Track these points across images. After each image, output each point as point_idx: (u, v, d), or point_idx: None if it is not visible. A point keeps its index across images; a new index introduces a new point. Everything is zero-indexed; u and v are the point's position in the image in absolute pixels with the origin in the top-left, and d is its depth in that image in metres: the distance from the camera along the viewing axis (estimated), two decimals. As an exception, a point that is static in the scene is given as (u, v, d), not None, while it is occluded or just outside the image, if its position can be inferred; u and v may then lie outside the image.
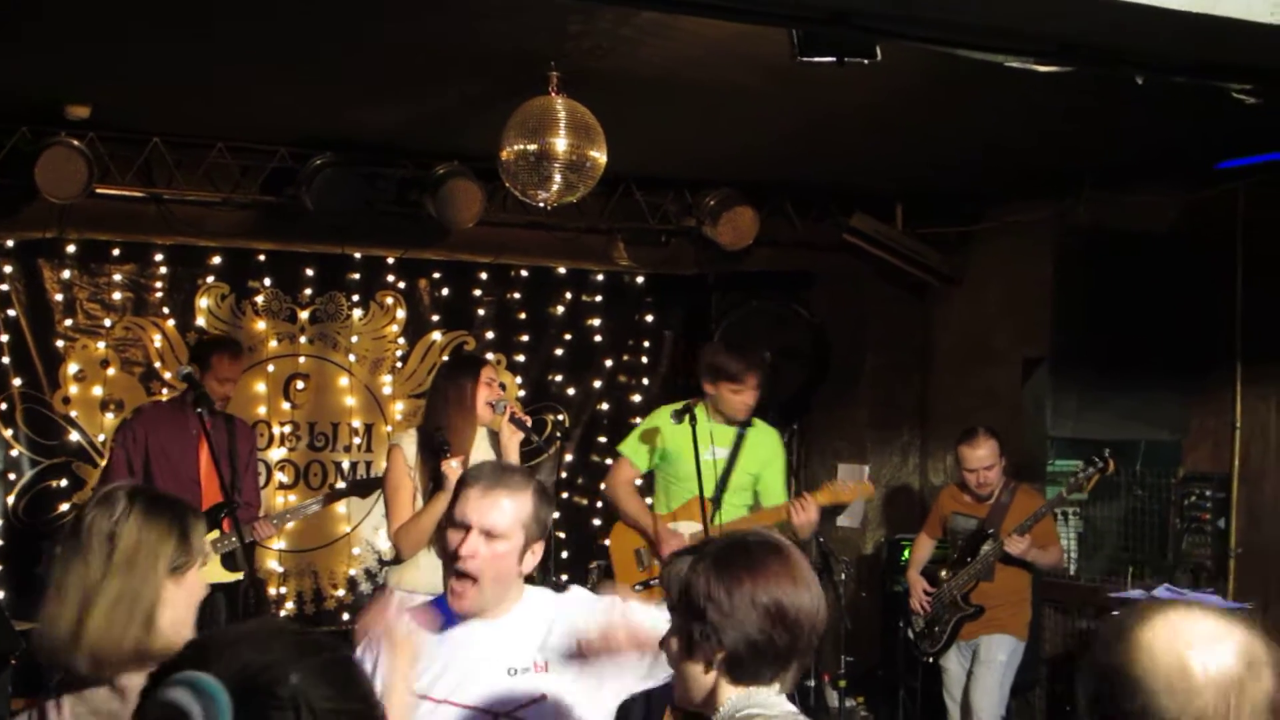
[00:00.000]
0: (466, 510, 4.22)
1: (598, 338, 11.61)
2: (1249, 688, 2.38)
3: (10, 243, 9.78)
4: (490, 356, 10.82)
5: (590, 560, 10.60)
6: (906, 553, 10.14)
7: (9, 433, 9.96)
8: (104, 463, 9.54)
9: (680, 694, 3.44)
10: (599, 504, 11.21)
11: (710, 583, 3.31)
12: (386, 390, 11.03)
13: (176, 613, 3.45)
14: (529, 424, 7.53)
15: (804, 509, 8.18)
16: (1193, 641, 2.42)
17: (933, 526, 9.33)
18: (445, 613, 4.30)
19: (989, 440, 8.85)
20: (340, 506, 10.49)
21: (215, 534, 8.63)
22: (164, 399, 9.79)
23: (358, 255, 10.70)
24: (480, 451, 7.68)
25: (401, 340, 11.07)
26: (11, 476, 9.98)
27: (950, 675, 9.14)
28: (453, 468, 7.31)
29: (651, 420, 8.77)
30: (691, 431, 8.02)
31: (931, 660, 9.19)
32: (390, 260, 10.87)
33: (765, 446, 8.60)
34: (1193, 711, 2.36)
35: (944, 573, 9.07)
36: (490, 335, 11.29)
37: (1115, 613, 2.50)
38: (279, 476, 10.68)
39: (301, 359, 10.78)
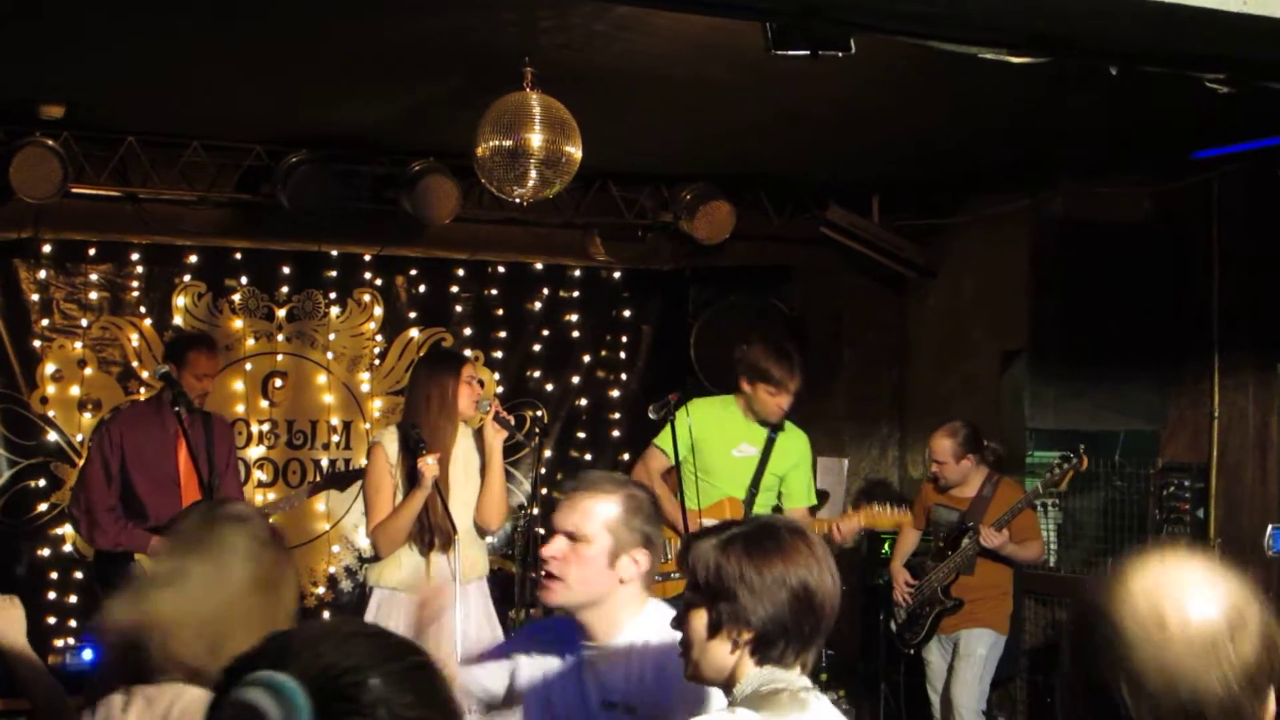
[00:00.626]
0: (555, 515, 4.32)
1: (575, 333, 11.60)
2: (1224, 649, 2.22)
3: (-15, 243, 9.77)
4: (468, 353, 10.82)
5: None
6: (887, 546, 10.17)
7: (-13, 433, 9.95)
8: (81, 464, 9.51)
9: (693, 672, 3.47)
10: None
11: (742, 564, 3.36)
12: (365, 388, 11.02)
13: None
14: (512, 422, 7.56)
15: (849, 529, 8.54)
16: (1176, 592, 2.27)
17: (917, 518, 9.32)
18: (568, 630, 4.37)
19: (948, 438, 8.92)
20: (319, 504, 10.49)
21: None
22: (140, 399, 9.76)
23: (334, 253, 10.69)
24: (462, 450, 7.69)
25: (379, 337, 11.06)
26: (-11, 477, 9.97)
27: (932, 669, 9.17)
28: (429, 464, 7.32)
29: (684, 412, 8.71)
30: (671, 430, 8.03)
31: (913, 652, 9.22)
32: (367, 257, 10.87)
33: (795, 450, 8.59)
34: (1163, 663, 2.21)
35: (926, 562, 9.11)
36: (468, 332, 11.29)
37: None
38: (258, 475, 10.67)
39: (279, 357, 10.77)
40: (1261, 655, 2.25)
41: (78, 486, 8.85)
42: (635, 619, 4.33)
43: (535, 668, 4.42)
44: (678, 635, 4.29)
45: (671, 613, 4.40)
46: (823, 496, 11.02)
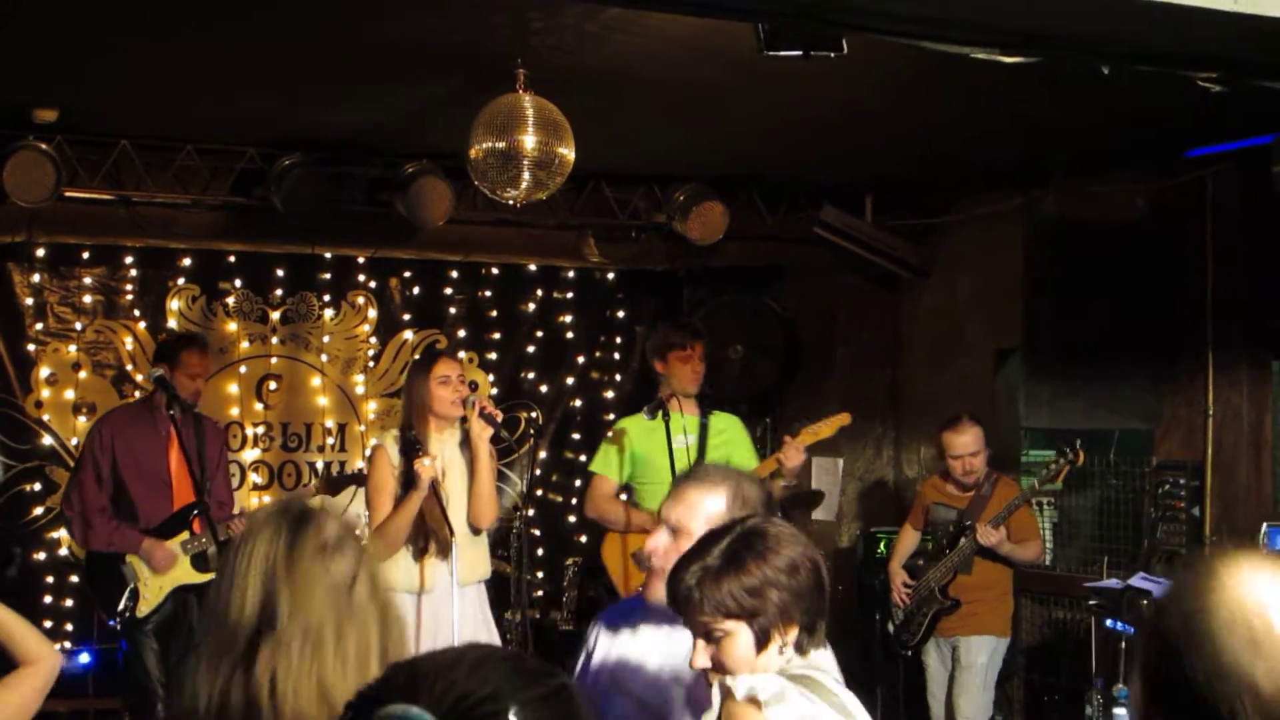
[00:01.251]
0: (663, 505, 4.21)
1: (569, 334, 11.63)
2: None
3: (-21, 247, 9.77)
4: (462, 355, 10.84)
5: (566, 557, 10.62)
6: (883, 546, 10.18)
7: (-19, 437, 9.95)
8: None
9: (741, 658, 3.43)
10: (574, 500, 11.23)
11: (763, 570, 3.35)
12: (359, 390, 11.03)
13: None
14: (499, 419, 7.53)
15: (792, 454, 8.37)
16: (1275, 594, 2.29)
17: (916, 518, 9.31)
18: (639, 608, 4.33)
19: (974, 426, 8.85)
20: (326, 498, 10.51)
21: (185, 535, 8.63)
22: (132, 401, 9.74)
23: (328, 255, 10.70)
24: (453, 452, 7.69)
25: (373, 340, 11.08)
26: (-15, 480, 9.98)
27: (931, 674, 9.11)
28: (425, 466, 7.34)
29: (617, 428, 8.82)
30: (665, 424, 8.07)
31: (910, 653, 9.15)
32: (361, 260, 10.88)
33: (730, 431, 8.71)
34: (1262, 669, 2.23)
35: (920, 562, 9.09)
36: (462, 333, 11.31)
37: (1185, 564, 2.31)
38: (253, 477, 10.68)
39: (273, 360, 10.78)
40: None
41: (69, 488, 8.85)
42: None
43: (613, 651, 4.39)
44: None
45: None
46: (817, 496, 11.05)
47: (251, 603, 2.98)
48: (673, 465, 8.04)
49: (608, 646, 4.42)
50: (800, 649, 3.37)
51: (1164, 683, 2.37)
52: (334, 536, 3.13)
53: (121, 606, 8.44)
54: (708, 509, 4.07)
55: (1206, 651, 2.29)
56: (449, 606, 7.41)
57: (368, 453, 10.73)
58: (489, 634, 7.72)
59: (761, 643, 3.34)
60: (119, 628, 8.54)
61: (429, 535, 7.49)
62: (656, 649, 4.27)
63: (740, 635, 3.37)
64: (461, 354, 11.02)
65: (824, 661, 3.45)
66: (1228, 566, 2.36)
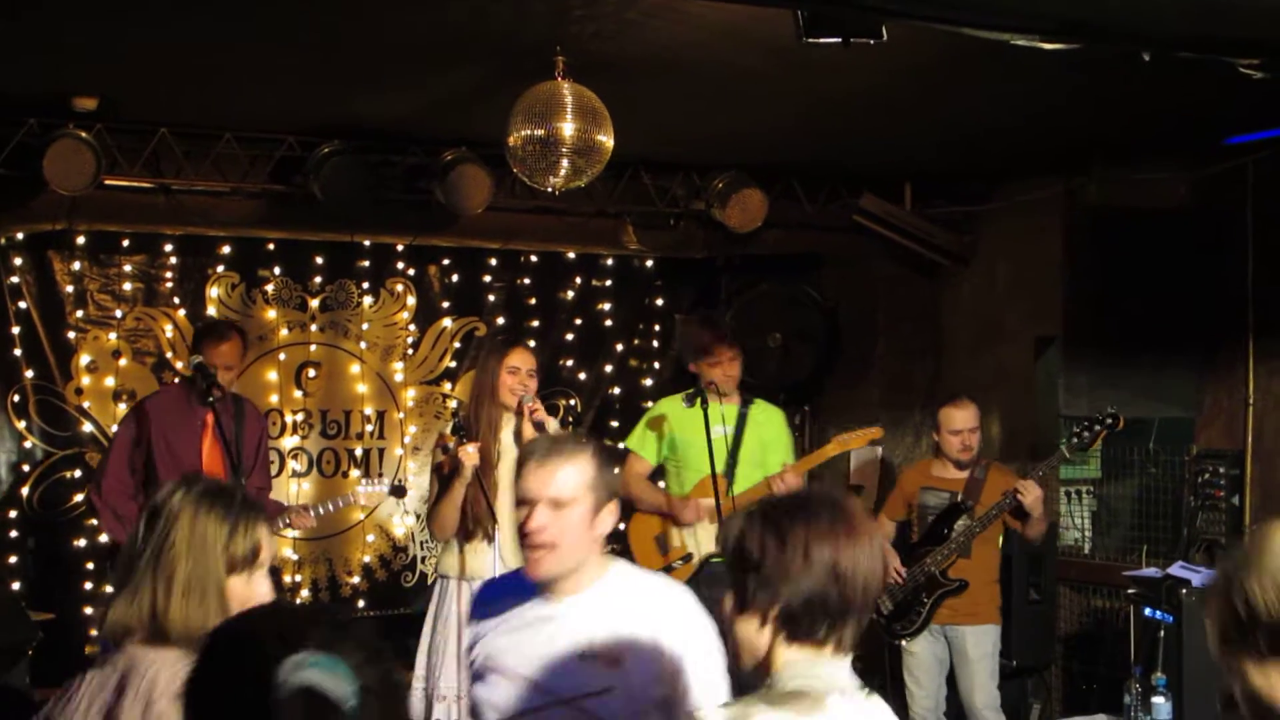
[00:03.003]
0: (527, 486, 4.23)
1: (608, 322, 11.64)
2: None
3: (20, 235, 9.82)
4: (532, 343, 10.86)
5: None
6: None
7: (22, 424, 10.01)
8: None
9: (733, 657, 3.39)
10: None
11: (765, 535, 3.27)
12: (398, 377, 11.06)
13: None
14: (546, 428, 7.56)
15: (783, 481, 8.27)
16: None
17: (894, 507, 9.19)
18: (523, 586, 4.32)
19: (973, 404, 8.83)
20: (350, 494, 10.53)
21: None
22: (171, 385, 9.74)
23: (367, 243, 10.73)
24: (506, 438, 7.72)
25: (412, 327, 11.11)
26: (25, 468, 10.04)
27: (918, 660, 8.94)
28: (468, 453, 7.38)
29: (656, 410, 8.85)
30: (704, 414, 8.07)
31: (902, 643, 8.95)
32: (399, 247, 10.91)
33: (768, 425, 8.70)
34: None
35: (922, 549, 8.96)
36: (500, 321, 11.34)
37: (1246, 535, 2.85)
38: (292, 465, 10.72)
39: (313, 347, 10.82)
40: None
41: (99, 473, 8.83)
42: (600, 572, 4.31)
43: (493, 632, 4.38)
44: (647, 588, 4.24)
45: (633, 573, 4.42)
46: (856, 490, 11.02)
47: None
48: (711, 454, 8.05)
49: (481, 630, 4.43)
50: (787, 633, 3.24)
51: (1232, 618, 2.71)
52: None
53: None
54: (581, 477, 4.20)
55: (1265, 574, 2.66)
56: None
57: (406, 440, 10.79)
58: None
59: (741, 605, 3.27)
60: None
61: (475, 521, 7.54)
62: (542, 625, 4.27)
63: (730, 591, 3.34)
64: (532, 343, 11.01)
65: (836, 674, 3.30)
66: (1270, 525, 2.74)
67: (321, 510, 9.20)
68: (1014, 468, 9.26)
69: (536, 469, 4.24)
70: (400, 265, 11.04)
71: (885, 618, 8.96)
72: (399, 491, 9.65)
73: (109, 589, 9.75)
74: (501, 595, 4.45)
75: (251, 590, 3.65)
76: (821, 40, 5.09)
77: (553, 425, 7.62)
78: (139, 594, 3.57)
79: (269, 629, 2.23)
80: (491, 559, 7.44)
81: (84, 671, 3.61)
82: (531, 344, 10.98)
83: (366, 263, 10.91)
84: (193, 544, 3.59)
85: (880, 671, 9.38)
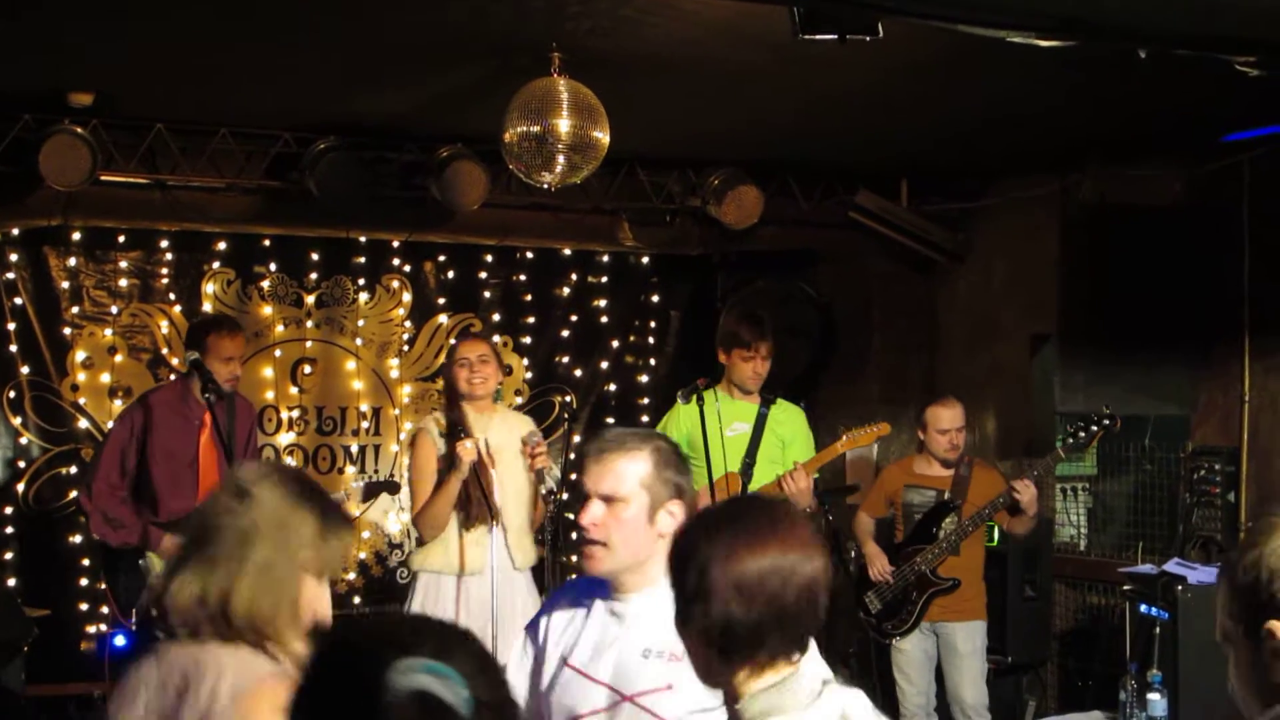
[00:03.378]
0: (585, 479, 4.22)
1: (604, 318, 11.64)
2: None
3: (15, 231, 9.82)
4: (496, 339, 10.86)
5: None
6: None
7: (18, 420, 10.01)
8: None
9: (699, 676, 3.28)
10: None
11: (694, 549, 3.14)
12: (394, 374, 11.06)
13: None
14: (544, 476, 7.70)
15: (794, 479, 8.18)
16: None
17: (875, 505, 9.19)
18: (598, 584, 4.30)
19: (959, 403, 8.84)
20: (344, 490, 10.54)
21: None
22: (166, 384, 9.73)
23: (363, 239, 10.73)
24: (497, 433, 7.74)
25: (408, 323, 11.11)
26: (21, 464, 10.03)
27: (907, 656, 8.91)
28: (467, 448, 7.40)
29: (669, 416, 8.80)
30: (699, 410, 8.06)
31: (892, 642, 8.91)
32: (395, 244, 10.90)
33: (788, 424, 8.64)
34: None
35: (909, 548, 8.92)
36: (496, 317, 11.33)
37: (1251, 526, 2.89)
38: (288, 461, 10.70)
39: (308, 343, 10.82)
40: None
41: (90, 475, 8.68)
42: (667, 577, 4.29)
43: (563, 630, 4.35)
44: None
45: None
46: (852, 488, 11.02)
47: None
48: (707, 450, 8.04)
49: (552, 627, 4.40)
50: (723, 654, 3.12)
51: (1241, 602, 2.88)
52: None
53: (141, 604, 8.18)
54: (636, 472, 4.13)
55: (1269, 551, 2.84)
56: (491, 589, 7.46)
57: (402, 436, 10.80)
58: None
59: (683, 621, 3.17)
60: (134, 626, 8.41)
61: (472, 518, 7.55)
62: (610, 623, 4.24)
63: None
64: (496, 338, 11.04)
65: (801, 684, 3.16)
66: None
67: None
68: (1008, 465, 9.28)
69: (593, 464, 4.21)
70: (396, 262, 11.04)
71: (875, 617, 8.95)
72: (393, 488, 9.67)
73: (103, 585, 9.82)
74: (576, 594, 4.43)
75: (321, 600, 3.53)
76: (818, 37, 5.09)
77: (553, 474, 7.68)
78: (211, 574, 3.40)
79: (381, 634, 2.21)
80: (489, 554, 7.45)
81: (139, 665, 3.49)
82: (526, 340, 11.08)
83: (362, 259, 10.91)
84: (279, 529, 3.45)
85: (869, 670, 9.39)
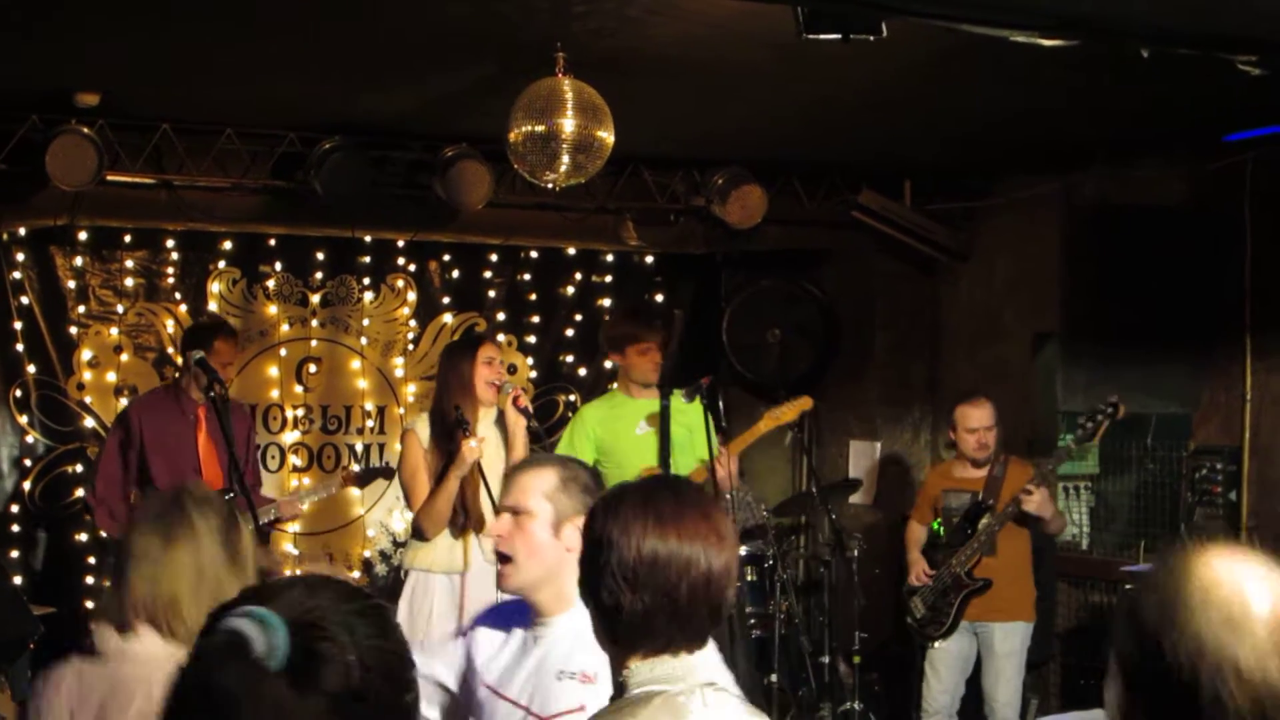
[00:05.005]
0: (501, 497, 4.34)
1: (608, 318, 11.63)
2: None
3: (22, 231, 9.85)
4: (501, 338, 10.88)
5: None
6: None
7: (24, 419, 10.03)
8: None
9: (599, 643, 3.23)
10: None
11: (594, 523, 3.13)
12: (399, 373, 11.08)
13: None
14: (531, 411, 7.61)
15: (720, 463, 8.13)
16: (1249, 577, 2.38)
17: (923, 512, 9.21)
18: (517, 609, 4.35)
19: (989, 402, 8.83)
20: (354, 490, 10.56)
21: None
22: (160, 386, 9.76)
23: (368, 238, 10.75)
24: (491, 435, 7.74)
25: (413, 322, 11.13)
26: (27, 462, 10.05)
27: (940, 653, 8.91)
28: (471, 447, 7.40)
29: (574, 423, 8.79)
30: (703, 406, 8.06)
31: (936, 645, 8.89)
32: (400, 243, 10.93)
33: (688, 411, 8.46)
34: (1244, 646, 2.31)
35: (939, 555, 8.94)
36: (501, 316, 11.35)
37: (1160, 556, 2.39)
38: (293, 460, 10.74)
39: (313, 342, 10.84)
40: None
41: (93, 474, 8.88)
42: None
43: (488, 651, 4.39)
44: None
45: None
46: (854, 483, 11.04)
47: None
48: (711, 446, 8.03)
49: (484, 650, 4.43)
50: (615, 640, 3.11)
51: (1143, 669, 2.43)
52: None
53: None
54: (540, 486, 4.21)
55: (1187, 633, 2.35)
56: (489, 585, 7.46)
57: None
58: None
59: (587, 599, 3.16)
60: None
61: (468, 515, 7.56)
62: (529, 646, 4.27)
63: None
64: (500, 337, 11.09)
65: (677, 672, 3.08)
66: (1201, 553, 2.44)
67: (311, 498, 9.23)
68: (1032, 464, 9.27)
69: (505, 483, 4.37)
70: (401, 261, 11.06)
71: (919, 622, 8.96)
72: (388, 473, 9.69)
73: (108, 583, 9.86)
74: (502, 616, 4.47)
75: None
76: (822, 37, 5.11)
77: (532, 408, 7.67)
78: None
79: (258, 589, 2.26)
80: (474, 552, 7.49)
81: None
82: (531, 339, 11.10)
83: (367, 258, 10.93)
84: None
85: (913, 669, 9.41)
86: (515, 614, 4.38)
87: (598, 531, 3.08)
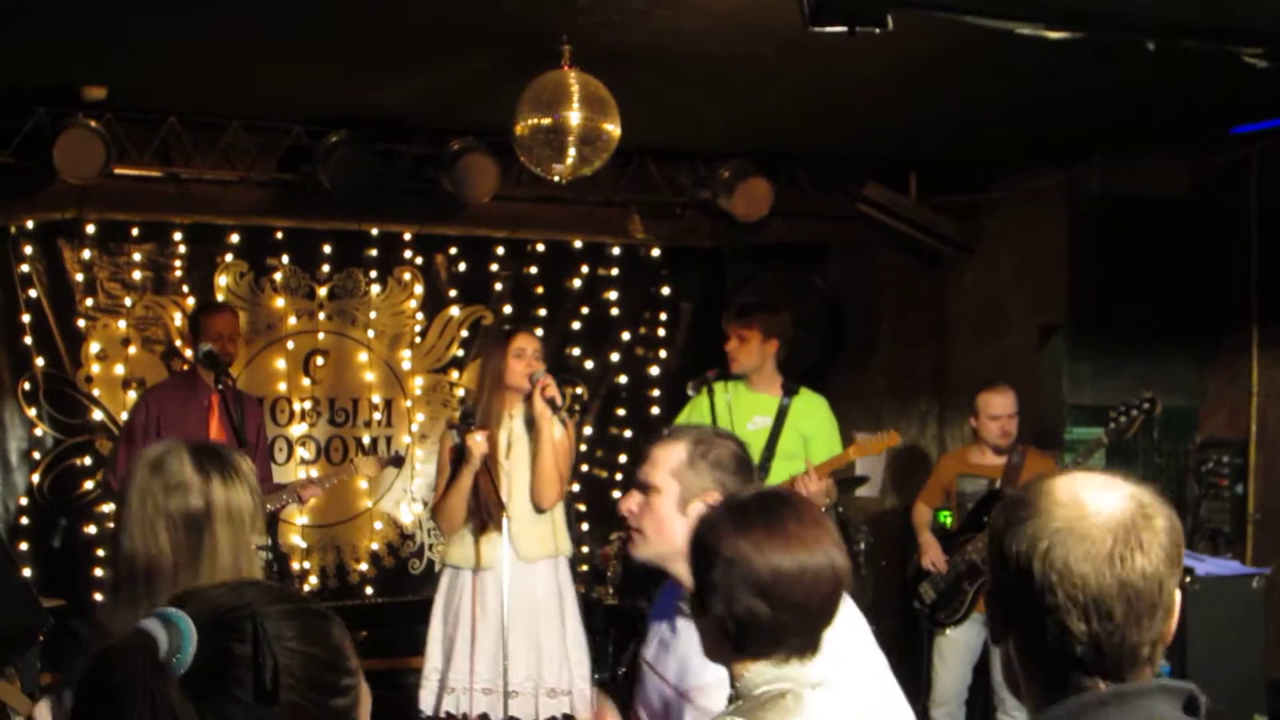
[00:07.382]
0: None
1: (614, 311, 11.65)
2: (1142, 528, 2.46)
3: (30, 224, 9.84)
4: (540, 331, 10.90)
5: (611, 531, 10.65)
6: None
7: (33, 412, 10.04)
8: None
9: (705, 653, 3.34)
10: (619, 476, 11.31)
11: (719, 540, 3.18)
12: (406, 365, 11.09)
13: None
14: (559, 403, 7.56)
15: (806, 483, 7.99)
16: (1088, 486, 2.50)
17: (932, 494, 9.23)
18: (671, 589, 4.37)
19: (1010, 389, 8.83)
20: (362, 481, 10.57)
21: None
22: (175, 374, 9.81)
23: (374, 232, 10.76)
24: (521, 428, 7.72)
25: (420, 315, 11.13)
26: (36, 455, 10.07)
27: (950, 642, 8.92)
28: (476, 441, 7.39)
29: (687, 410, 8.78)
30: (710, 400, 8.08)
31: (947, 632, 8.90)
32: (407, 236, 10.93)
33: (810, 417, 8.53)
34: (1093, 549, 2.42)
35: (960, 540, 8.94)
36: (507, 309, 11.35)
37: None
38: (300, 452, 10.75)
39: (321, 335, 10.85)
40: (1168, 535, 2.50)
41: (113, 461, 8.91)
42: None
43: (654, 628, 4.41)
44: None
45: None
46: (861, 479, 11.04)
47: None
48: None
49: (652, 627, 4.45)
50: (734, 646, 3.17)
51: (993, 572, 2.58)
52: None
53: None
54: (668, 463, 4.17)
55: (1026, 532, 2.48)
56: (517, 581, 7.46)
57: (414, 427, 10.85)
58: (563, 610, 7.72)
59: (700, 607, 3.22)
60: None
61: (485, 511, 7.53)
62: (685, 626, 4.22)
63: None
64: (539, 331, 11.06)
65: (802, 674, 3.17)
66: (1064, 472, 2.61)
67: (327, 484, 9.22)
68: (1052, 455, 9.27)
69: (643, 453, 4.31)
70: (408, 254, 11.06)
71: (929, 607, 8.95)
72: (398, 461, 9.70)
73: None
74: (666, 591, 4.47)
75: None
76: (827, 29, 5.12)
77: (560, 401, 7.61)
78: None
79: (183, 592, 2.26)
80: (501, 549, 7.45)
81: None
82: (539, 331, 11.11)
83: (374, 251, 10.93)
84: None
85: (918, 657, 9.35)
86: (674, 589, 4.40)
87: (727, 551, 3.15)
